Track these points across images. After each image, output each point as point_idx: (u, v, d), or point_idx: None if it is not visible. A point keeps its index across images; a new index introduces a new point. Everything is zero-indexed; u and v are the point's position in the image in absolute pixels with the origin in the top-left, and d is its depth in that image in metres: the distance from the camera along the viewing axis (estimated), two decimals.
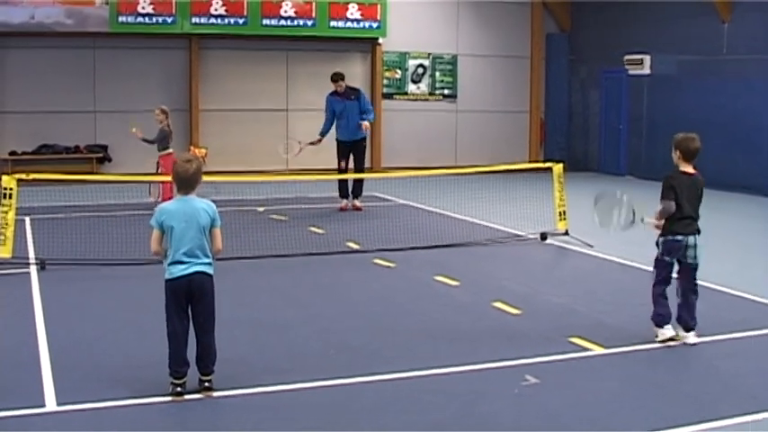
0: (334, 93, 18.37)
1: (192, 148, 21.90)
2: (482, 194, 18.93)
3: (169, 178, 17.13)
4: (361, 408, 7.17)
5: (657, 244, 9.14)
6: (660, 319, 9.01)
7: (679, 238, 9.00)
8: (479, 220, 16.77)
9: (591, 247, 14.19)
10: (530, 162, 25.36)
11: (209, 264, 7.44)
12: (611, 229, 9.48)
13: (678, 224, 9.01)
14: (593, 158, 27.62)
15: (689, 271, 9.07)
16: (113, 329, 9.40)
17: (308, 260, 13.26)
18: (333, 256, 13.58)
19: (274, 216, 17.25)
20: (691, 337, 8.97)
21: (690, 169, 9.09)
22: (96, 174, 22.44)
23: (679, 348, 8.86)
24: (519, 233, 15.36)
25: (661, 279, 9.12)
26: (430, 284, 11.66)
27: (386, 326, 9.69)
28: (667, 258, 9.09)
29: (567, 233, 14.90)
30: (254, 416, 6.97)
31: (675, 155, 9.12)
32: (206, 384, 7.35)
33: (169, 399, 7.19)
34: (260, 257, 13.18)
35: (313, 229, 15.92)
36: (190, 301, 7.37)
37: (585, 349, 8.78)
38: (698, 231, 9.05)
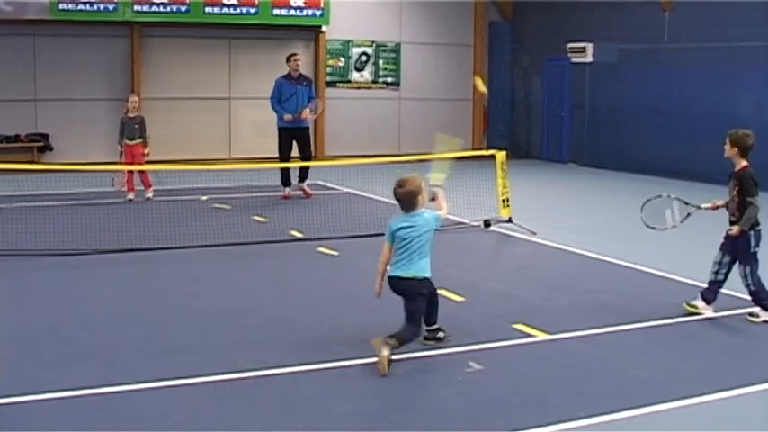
0: (287, 76, 18.32)
1: None
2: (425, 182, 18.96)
3: (135, 167, 17.30)
4: (304, 396, 7.17)
5: (749, 238, 9.40)
6: None
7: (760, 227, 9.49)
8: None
9: (534, 234, 14.30)
10: (473, 150, 25.41)
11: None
12: (669, 228, 10.02)
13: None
14: (536, 146, 27.78)
15: None
16: (55, 320, 9.30)
17: (252, 249, 13.22)
18: (276, 245, 13.55)
19: (217, 205, 17.17)
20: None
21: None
22: (37, 163, 22.20)
23: (621, 333, 8.97)
24: (462, 221, 15.40)
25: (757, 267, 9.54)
26: (373, 272, 11.65)
27: (330, 314, 9.70)
28: (758, 249, 9.46)
29: (510, 220, 14.99)
30: (197, 404, 6.95)
31: (731, 151, 9.49)
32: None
33: (100, 391, 7.14)
34: (203, 246, 13.12)
35: (256, 217, 15.88)
36: None
37: (529, 335, 8.85)
38: None
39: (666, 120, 22.20)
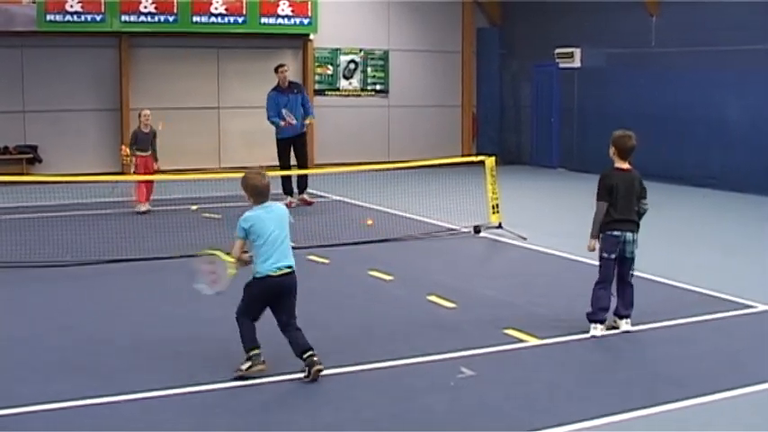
0: (276, 88, 18.29)
1: (123, 147, 21.68)
2: (415, 189, 18.98)
3: (144, 177, 17.21)
4: (294, 405, 7.16)
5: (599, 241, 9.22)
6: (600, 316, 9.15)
7: (617, 233, 9.12)
8: (413, 214, 16.79)
9: (524, 239, 14.30)
10: (462, 156, 25.44)
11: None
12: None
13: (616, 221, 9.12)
14: (525, 152, 27.79)
15: (627, 264, 9.21)
16: (43, 331, 9.27)
17: None
18: None
19: (207, 215, 17.13)
20: (623, 324, 9.18)
21: (625, 165, 9.20)
22: (26, 175, 22.15)
23: (612, 338, 8.98)
24: (452, 227, 15.41)
25: (604, 277, 9.23)
26: (364, 280, 11.66)
27: (320, 322, 9.65)
28: (606, 255, 9.19)
29: (500, 226, 14.98)
30: (185, 414, 6.93)
31: (611, 151, 9.26)
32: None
33: (86, 402, 7.12)
34: (192, 256, 13.05)
35: None
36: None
37: (520, 341, 8.85)
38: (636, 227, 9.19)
39: (655, 124, 22.22)
